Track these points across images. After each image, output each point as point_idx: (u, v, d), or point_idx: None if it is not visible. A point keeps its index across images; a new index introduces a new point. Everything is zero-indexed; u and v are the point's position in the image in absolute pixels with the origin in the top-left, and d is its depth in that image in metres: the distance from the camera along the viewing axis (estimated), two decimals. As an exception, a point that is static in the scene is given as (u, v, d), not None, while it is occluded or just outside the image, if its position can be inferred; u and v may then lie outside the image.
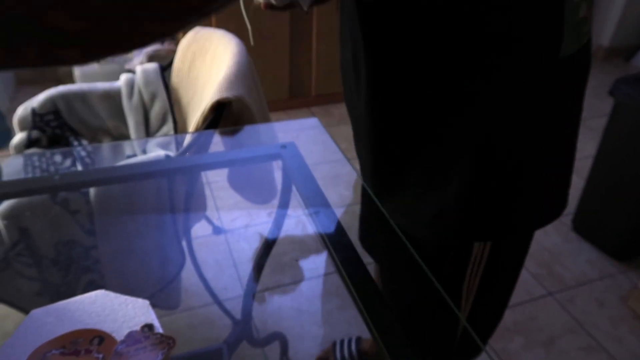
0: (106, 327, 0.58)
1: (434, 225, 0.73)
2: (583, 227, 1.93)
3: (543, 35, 0.59)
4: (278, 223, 1.10)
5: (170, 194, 1.08)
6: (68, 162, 1.36)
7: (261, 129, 1.16)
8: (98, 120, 1.47)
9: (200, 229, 1.75)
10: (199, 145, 1.07)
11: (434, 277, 0.80)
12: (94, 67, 2.30)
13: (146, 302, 0.61)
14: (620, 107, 1.66)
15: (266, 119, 1.34)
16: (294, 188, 0.94)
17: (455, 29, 0.58)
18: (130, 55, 2.31)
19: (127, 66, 2.30)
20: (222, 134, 1.14)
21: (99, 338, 0.56)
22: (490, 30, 0.58)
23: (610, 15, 3.46)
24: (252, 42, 0.82)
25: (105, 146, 1.45)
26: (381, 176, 0.80)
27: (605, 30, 3.50)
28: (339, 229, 0.80)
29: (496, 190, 0.69)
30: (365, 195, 0.97)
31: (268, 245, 1.14)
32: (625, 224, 1.76)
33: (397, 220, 0.76)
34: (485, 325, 0.92)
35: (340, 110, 2.67)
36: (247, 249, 1.71)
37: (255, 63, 1.42)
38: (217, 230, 1.80)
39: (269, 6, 0.73)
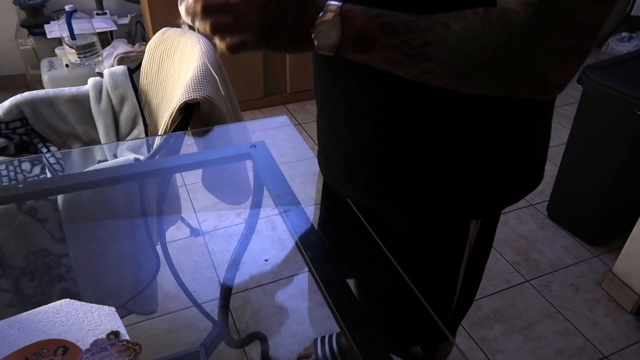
0: (71, 337, 0.57)
1: (432, 204, 0.73)
2: (558, 213, 1.96)
3: None
4: (252, 223, 1.09)
5: (142, 197, 1.06)
6: (37, 170, 1.34)
7: (232, 128, 1.15)
8: (67, 126, 1.45)
9: (178, 232, 1.74)
10: (169, 147, 1.06)
11: (433, 264, 0.81)
12: (62, 71, 2.26)
13: (112, 309, 0.60)
14: (588, 95, 1.69)
15: (238, 118, 1.33)
16: (265, 187, 0.94)
17: None
18: (100, 58, 2.27)
19: (98, 69, 2.26)
20: (193, 135, 1.13)
21: (64, 348, 0.55)
22: None
23: (579, 4, 3.51)
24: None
25: (75, 152, 1.42)
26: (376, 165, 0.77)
27: (575, 18, 3.56)
28: (309, 226, 0.80)
29: (483, 164, 0.70)
30: (329, 199, 0.95)
31: (244, 246, 1.13)
32: (597, 209, 1.79)
33: (395, 210, 0.76)
34: (466, 305, 0.93)
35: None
36: (226, 250, 1.71)
37: (228, 63, 1.41)
38: (195, 232, 1.79)
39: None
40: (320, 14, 0.50)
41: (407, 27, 0.50)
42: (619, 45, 3.45)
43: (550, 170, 2.24)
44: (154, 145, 1.11)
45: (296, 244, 0.77)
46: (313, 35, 0.51)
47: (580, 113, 1.75)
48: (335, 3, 0.50)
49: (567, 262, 1.79)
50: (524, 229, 1.94)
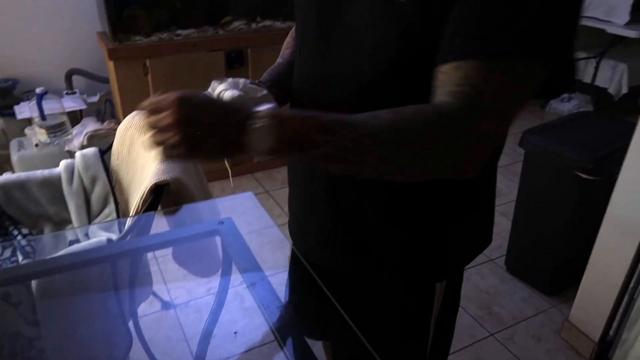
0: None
1: (399, 268, 0.80)
2: (515, 267, 2.07)
3: None
4: (221, 296, 1.14)
5: (114, 278, 1.10)
6: (8, 253, 1.36)
7: (200, 206, 1.22)
8: (38, 207, 1.49)
9: (149, 306, 1.75)
10: (140, 227, 1.11)
11: (404, 324, 0.87)
12: (32, 150, 2.31)
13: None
14: (529, 156, 1.85)
15: (206, 195, 1.40)
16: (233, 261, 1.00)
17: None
18: (70, 136, 2.34)
19: (68, 148, 2.32)
20: (163, 214, 1.19)
21: None
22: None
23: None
24: (232, 184, 0.89)
25: (47, 235, 1.45)
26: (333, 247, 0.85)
27: (519, 82, 3.86)
28: (275, 297, 0.86)
29: (455, 235, 0.79)
30: (296, 267, 1.01)
31: (214, 319, 1.17)
32: (549, 261, 1.91)
33: (365, 267, 0.83)
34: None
35: (283, 174, 2.77)
36: (197, 323, 1.72)
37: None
38: (166, 306, 1.80)
39: None
40: (252, 121, 0.51)
41: (341, 124, 0.53)
42: (561, 105, 3.74)
43: (505, 225, 2.37)
44: (126, 226, 1.16)
45: (264, 315, 0.83)
46: (247, 142, 0.51)
47: (525, 173, 1.90)
48: (265, 108, 0.52)
49: (527, 314, 1.88)
50: (484, 283, 2.03)
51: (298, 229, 0.93)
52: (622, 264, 1.54)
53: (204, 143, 0.52)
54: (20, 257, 1.34)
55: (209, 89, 0.77)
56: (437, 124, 0.54)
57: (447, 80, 0.55)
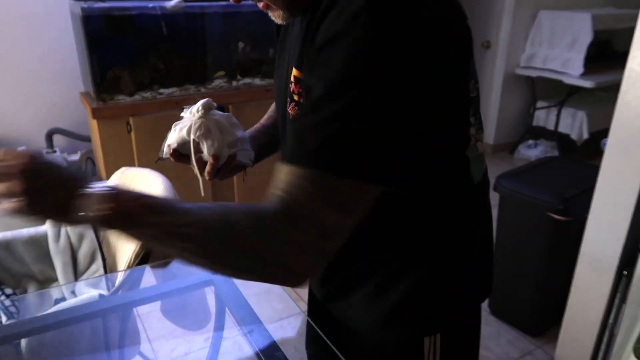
0: None
1: (385, 328, 0.80)
2: (499, 309, 2.11)
3: (456, 179, 0.74)
4: (216, 346, 1.14)
5: (105, 333, 1.10)
6: (-9, 314, 1.33)
7: (191, 258, 1.24)
8: (23, 267, 1.47)
9: (133, 365, 1.70)
10: (131, 281, 1.12)
11: None
12: (11, 210, 2.28)
13: None
14: (504, 200, 1.93)
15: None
16: (227, 310, 1.01)
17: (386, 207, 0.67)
18: (50, 195, 2.33)
19: (48, 206, 2.30)
20: (154, 267, 1.20)
21: None
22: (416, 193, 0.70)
23: (490, 119, 4.03)
24: (202, 194, 0.93)
25: (31, 294, 1.43)
26: (329, 284, 0.86)
27: (488, 130, 4.05)
28: (273, 345, 0.88)
29: (437, 288, 0.79)
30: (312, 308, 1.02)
31: (207, 371, 1.16)
32: (531, 301, 1.95)
33: (348, 322, 0.84)
34: None
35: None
36: (185, 379, 1.68)
37: (181, 193, 1.53)
38: (152, 364, 1.75)
39: (217, 170, 0.83)
40: (85, 188, 0.51)
41: (172, 209, 0.54)
42: (528, 151, 3.91)
43: (486, 268, 2.42)
44: (117, 281, 1.17)
45: (262, 362, 0.84)
46: (75, 206, 0.51)
47: (501, 216, 1.98)
48: (103, 183, 0.52)
49: (514, 356, 1.90)
50: (470, 327, 2.05)
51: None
52: (599, 301, 1.60)
53: (37, 200, 0.51)
54: (4, 318, 1.31)
55: (182, 114, 0.84)
56: (255, 230, 0.55)
57: (276, 178, 0.58)
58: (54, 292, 1.42)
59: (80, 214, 0.50)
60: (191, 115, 0.82)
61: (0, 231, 1.53)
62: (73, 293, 1.40)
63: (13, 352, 1.03)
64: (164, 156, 0.86)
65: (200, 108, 0.81)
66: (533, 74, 3.75)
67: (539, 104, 3.86)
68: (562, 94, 3.70)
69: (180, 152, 0.84)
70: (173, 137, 0.83)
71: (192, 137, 0.81)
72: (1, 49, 2.54)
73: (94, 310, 1.07)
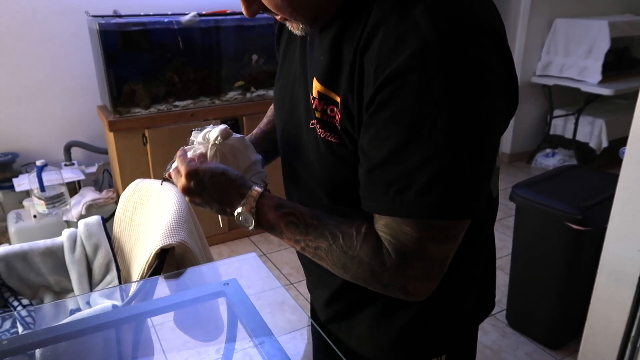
0: None
1: (391, 350, 0.80)
2: (516, 321, 2.06)
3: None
4: (228, 358, 1.13)
5: (119, 344, 1.10)
6: (8, 324, 1.35)
7: (204, 269, 1.24)
8: (39, 278, 1.49)
9: (147, 377, 1.70)
10: (144, 292, 1.12)
11: None
12: (30, 222, 2.32)
13: None
14: (521, 210, 1.90)
15: (208, 258, 1.42)
16: (239, 322, 1.01)
17: None
18: (68, 206, 2.36)
19: (66, 218, 2.34)
20: (167, 278, 1.21)
21: None
22: None
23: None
24: (221, 224, 0.98)
25: (47, 304, 1.45)
26: (334, 305, 0.86)
27: (505, 140, 4.01)
28: (284, 357, 0.87)
29: (443, 310, 0.78)
30: (315, 331, 1.02)
31: (219, 383, 1.16)
32: (550, 313, 1.91)
33: (350, 344, 0.84)
34: None
35: (279, 236, 2.78)
36: (198, 391, 1.67)
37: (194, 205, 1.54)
38: (166, 375, 1.75)
39: None
40: (242, 202, 0.68)
41: (306, 230, 0.66)
42: (546, 160, 3.86)
43: (503, 279, 2.38)
44: (130, 292, 1.17)
45: (273, 374, 0.83)
46: (235, 216, 0.69)
47: (518, 226, 1.95)
48: (255, 193, 0.68)
49: (533, 370, 1.85)
50: (487, 339, 2.01)
51: (310, 285, 0.95)
52: (621, 313, 1.55)
53: (204, 205, 0.73)
54: (20, 329, 1.32)
55: (191, 138, 0.82)
56: (376, 274, 0.62)
57: (377, 221, 0.63)
58: (69, 302, 1.43)
59: (235, 213, 0.69)
60: (205, 142, 0.79)
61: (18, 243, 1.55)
62: (88, 304, 1.41)
63: (28, 363, 1.04)
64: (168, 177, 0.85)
65: (219, 137, 0.78)
66: (549, 82, 3.71)
67: (556, 112, 3.82)
68: (580, 102, 3.65)
69: None
70: None
71: None
72: (21, 64, 2.60)
73: (107, 320, 1.07)
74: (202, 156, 0.79)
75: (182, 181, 0.72)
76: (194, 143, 0.81)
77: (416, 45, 0.53)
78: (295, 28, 0.68)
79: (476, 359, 1.90)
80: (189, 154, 0.80)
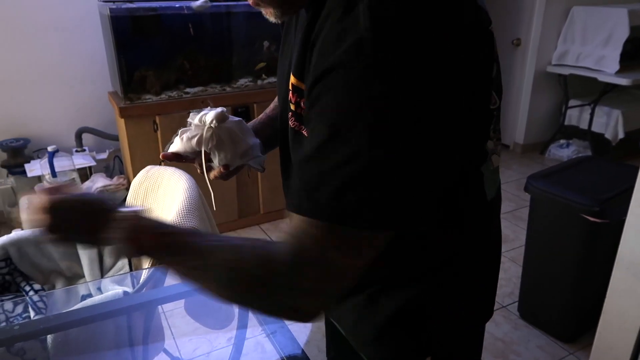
0: None
1: (374, 345, 0.78)
2: (528, 313, 2.04)
3: (467, 197, 0.69)
4: (238, 346, 1.13)
5: (129, 330, 1.10)
6: (20, 309, 1.35)
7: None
8: (50, 263, 1.49)
9: (158, 362, 1.71)
10: (155, 279, 1.12)
11: None
12: (42, 207, 2.33)
13: None
14: (536, 201, 1.87)
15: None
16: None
17: None
18: (79, 192, 2.37)
19: (77, 204, 2.34)
20: (178, 265, 1.20)
21: None
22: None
23: (520, 118, 3.93)
24: (214, 207, 0.93)
25: (59, 290, 1.45)
26: None
27: (518, 130, 3.96)
28: (296, 346, 0.86)
29: (432, 308, 0.75)
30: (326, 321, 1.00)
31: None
32: (563, 306, 1.88)
33: (344, 332, 0.83)
34: None
35: (290, 225, 2.77)
36: (208, 378, 1.68)
37: (203, 191, 1.53)
38: (176, 362, 1.76)
39: (225, 175, 0.81)
40: (109, 231, 0.57)
41: (187, 249, 0.57)
42: (560, 151, 3.80)
43: (516, 271, 2.35)
44: (141, 279, 1.17)
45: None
46: (104, 238, 0.58)
47: (532, 217, 1.92)
48: (125, 214, 0.57)
49: (544, 362, 1.83)
50: (499, 331, 1.99)
51: None
52: (637, 308, 1.52)
53: (65, 230, 0.60)
54: (32, 314, 1.33)
55: (188, 119, 0.80)
56: (265, 279, 0.55)
57: (288, 220, 0.57)
58: (80, 288, 1.43)
59: (107, 242, 0.58)
60: (202, 124, 0.77)
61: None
62: (99, 290, 1.41)
63: (39, 347, 1.04)
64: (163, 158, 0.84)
65: (214, 120, 0.76)
66: (565, 71, 3.64)
67: (572, 102, 3.75)
68: (596, 92, 3.58)
69: (182, 156, 0.81)
70: (178, 145, 0.79)
71: (203, 148, 0.77)
72: (33, 50, 2.60)
73: (118, 307, 1.07)
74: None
75: (45, 217, 0.61)
76: (192, 125, 0.79)
77: (351, 41, 0.50)
78: (269, 14, 0.65)
79: (488, 352, 1.88)
80: (185, 136, 0.79)
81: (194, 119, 0.78)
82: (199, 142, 0.77)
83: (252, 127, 0.90)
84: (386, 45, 0.49)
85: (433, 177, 0.55)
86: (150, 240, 0.57)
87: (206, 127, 0.77)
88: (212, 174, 0.82)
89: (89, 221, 0.59)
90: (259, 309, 0.60)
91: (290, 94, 0.65)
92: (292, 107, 0.65)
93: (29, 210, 0.63)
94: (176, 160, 0.82)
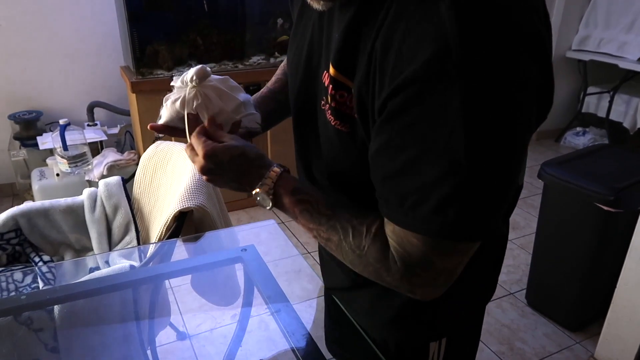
0: None
1: (390, 327, 0.78)
2: (536, 301, 2.03)
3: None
4: (243, 324, 1.13)
5: (135, 304, 1.10)
6: (29, 279, 1.37)
7: (222, 234, 1.22)
8: (60, 235, 1.50)
9: (164, 336, 1.73)
10: (162, 254, 1.12)
11: None
12: (53, 180, 2.34)
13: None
14: (549, 188, 1.84)
15: (227, 223, 1.41)
16: (255, 288, 1.00)
17: None
18: (90, 166, 2.38)
19: (88, 177, 2.35)
20: (185, 241, 1.20)
21: None
22: None
23: (535, 103, 3.85)
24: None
25: (67, 261, 1.46)
26: (337, 275, 0.85)
27: (533, 116, 3.89)
28: (300, 324, 0.85)
29: (442, 295, 0.76)
30: (330, 302, 1.01)
31: (236, 346, 1.16)
32: (572, 295, 1.86)
33: (359, 321, 0.82)
34: None
35: (299, 205, 2.77)
36: (213, 353, 1.70)
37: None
38: (182, 336, 1.78)
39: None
40: (260, 183, 0.66)
41: (319, 220, 0.64)
42: (575, 139, 3.73)
43: (525, 258, 2.33)
44: (148, 253, 1.17)
45: (289, 343, 0.82)
46: (253, 195, 0.67)
47: (545, 204, 1.89)
48: (273, 175, 0.66)
49: (550, 350, 1.82)
50: (505, 318, 1.98)
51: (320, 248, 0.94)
52: (648, 299, 1.50)
53: (222, 185, 0.71)
54: (41, 284, 1.34)
55: (172, 83, 0.75)
56: (382, 277, 0.61)
57: (387, 225, 0.59)
58: (89, 260, 1.44)
59: (253, 193, 0.67)
60: (184, 85, 0.72)
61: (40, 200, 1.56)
62: (107, 263, 1.42)
63: (47, 318, 1.05)
64: (160, 135, 0.80)
65: (194, 77, 0.71)
66: (585, 57, 3.55)
67: (590, 89, 3.66)
68: (616, 80, 3.49)
69: (177, 127, 0.76)
70: (166, 114, 0.75)
71: (187, 110, 0.72)
72: (45, 22, 2.59)
73: (124, 280, 1.08)
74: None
75: (199, 161, 0.68)
76: (174, 89, 0.74)
77: (437, 47, 0.48)
78: (313, 1, 0.62)
79: (494, 338, 1.87)
80: (171, 98, 0.74)
81: (177, 81, 0.73)
82: (182, 104, 0.72)
83: (253, 101, 0.88)
84: (478, 53, 0.48)
85: (513, 182, 0.56)
86: (287, 202, 0.65)
87: (189, 87, 0.71)
88: None
89: (243, 173, 0.67)
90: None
91: (329, 86, 0.63)
92: (329, 99, 0.64)
93: (189, 151, 0.69)
94: (167, 132, 0.78)
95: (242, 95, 0.76)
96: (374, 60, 0.55)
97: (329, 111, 0.65)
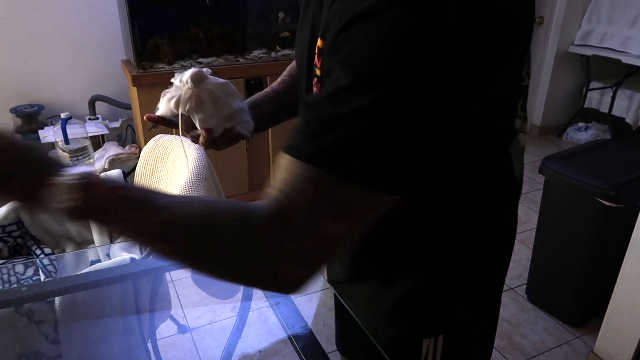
0: None
1: (385, 322, 0.77)
2: (536, 296, 2.03)
3: (498, 178, 0.68)
4: (243, 317, 1.13)
5: (136, 296, 1.11)
6: (30, 272, 1.37)
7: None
8: (61, 227, 1.50)
9: (165, 329, 1.74)
10: (163, 246, 1.12)
11: None
12: (55, 173, 2.35)
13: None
14: (550, 183, 1.84)
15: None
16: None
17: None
18: (92, 160, 2.38)
19: (89, 171, 2.36)
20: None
21: None
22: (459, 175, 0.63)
23: (538, 99, 3.84)
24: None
25: (69, 253, 1.47)
26: (336, 266, 0.85)
27: (536, 111, 3.88)
28: (299, 317, 0.86)
29: (441, 291, 0.74)
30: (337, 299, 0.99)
31: (236, 339, 1.16)
32: (572, 290, 1.87)
33: (359, 316, 0.82)
34: None
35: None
36: (213, 346, 1.71)
37: (216, 162, 1.52)
38: (182, 329, 1.79)
39: (210, 141, 0.77)
40: (54, 176, 0.45)
41: (149, 204, 0.47)
42: (578, 135, 3.72)
43: (525, 253, 2.33)
44: (149, 245, 1.17)
45: (288, 336, 0.82)
46: (42, 196, 0.45)
47: (545, 199, 1.88)
48: (77, 170, 0.45)
49: (550, 345, 1.83)
50: (505, 312, 1.98)
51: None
52: (648, 294, 1.50)
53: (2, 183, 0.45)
54: (42, 276, 1.35)
55: (172, 80, 0.75)
56: (241, 236, 0.48)
57: (276, 172, 0.50)
58: (90, 253, 1.45)
59: (49, 202, 0.44)
60: (181, 85, 0.72)
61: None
62: (108, 255, 1.43)
63: (47, 309, 1.05)
64: (155, 126, 0.81)
65: (189, 80, 0.70)
66: (588, 52, 3.54)
67: (593, 84, 3.65)
68: (619, 75, 3.48)
69: (172, 121, 0.76)
70: (163, 107, 0.75)
71: (180, 110, 0.72)
72: (47, 17, 2.58)
73: (125, 273, 1.08)
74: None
75: None
76: (173, 86, 0.75)
77: None
78: None
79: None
80: (166, 97, 0.74)
81: (176, 79, 0.74)
82: (177, 103, 0.72)
83: (255, 100, 0.87)
84: None
85: (454, 144, 0.49)
86: (101, 193, 0.45)
87: (185, 88, 0.72)
88: (200, 141, 0.79)
89: (29, 177, 0.45)
90: (234, 274, 0.50)
91: (316, 59, 0.61)
92: (318, 72, 0.61)
93: None
94: (162, 124, 0.78)
95: (238, 103, 0.76)
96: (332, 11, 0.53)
97: (317, 84, 0.62)
